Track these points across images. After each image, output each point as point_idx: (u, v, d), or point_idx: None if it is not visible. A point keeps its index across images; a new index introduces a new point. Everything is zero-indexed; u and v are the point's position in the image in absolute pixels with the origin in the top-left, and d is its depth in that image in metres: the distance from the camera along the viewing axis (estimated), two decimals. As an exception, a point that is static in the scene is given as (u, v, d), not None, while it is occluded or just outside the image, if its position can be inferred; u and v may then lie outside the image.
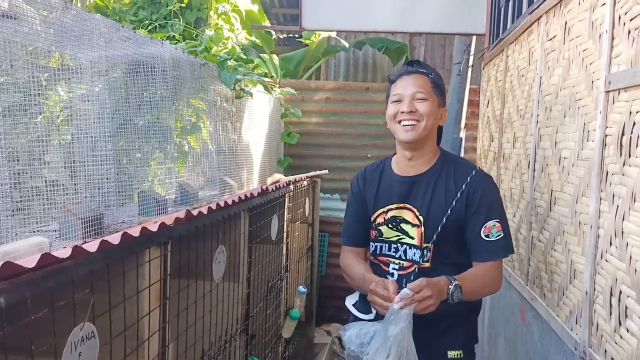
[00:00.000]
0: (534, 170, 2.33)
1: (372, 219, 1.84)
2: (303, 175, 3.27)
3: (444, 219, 1.70)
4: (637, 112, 1.37)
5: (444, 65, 6.61)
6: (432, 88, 1.74)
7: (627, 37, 1.46)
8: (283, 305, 2.84)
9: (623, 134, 1.45)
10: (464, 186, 1.71)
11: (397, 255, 1.80)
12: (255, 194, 2.05)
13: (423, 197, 1.75)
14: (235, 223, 1.93)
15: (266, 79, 4.07)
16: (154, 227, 1.18)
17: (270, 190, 2.30)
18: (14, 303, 0.77)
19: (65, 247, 1.23)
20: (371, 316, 1.75)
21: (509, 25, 3.04)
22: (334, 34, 6.41)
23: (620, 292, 1.43)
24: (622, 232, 1.43)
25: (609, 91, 1.56)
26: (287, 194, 2.79)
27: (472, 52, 4.47)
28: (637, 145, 1.37)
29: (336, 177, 4.96)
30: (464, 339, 1.80)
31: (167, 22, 4.49)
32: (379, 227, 1.83)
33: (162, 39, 3.12)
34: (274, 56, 5.86)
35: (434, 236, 1.71)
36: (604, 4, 1.63)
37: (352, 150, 5.12)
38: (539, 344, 2.18)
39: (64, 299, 0.90)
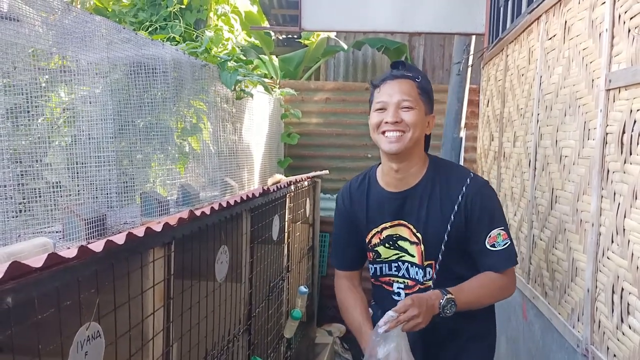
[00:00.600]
0: (535, 169, 2.33)
1: (367, 240, 1.73)
2: (304, 176, 3.27)
3: (445, 236, 1.61)
4: (638, 110, 1.38)
5: (444, 65, 6.62)
6: (419, 94, 1.61)
7: (627, 36, 1.47)
8: (285, 305, 2.85)
9: (624, 132, 1.45)
10: (460, 197, 1.61)
11: (400, 274, 1.71)
12: (257, 194, 2.05)
13: (418, 212, 1.64)
14: (238, 223, 1.94)
15: (266, 80, 4.07)
16: (157, 227, 1.18)
17: (272, 190, 2.30)
18: (21, 303, 0.78)
19: (69, 248, 1.23)
20: None
21: (508, 25, 3.05)
22: (333, 35, 6.42)
23: (622, 289, 1.43)
24: (624, 229, 1.43)
25: (609, 89, 1.56)
26: (288, 195, 2.79)
27: (471, 52, 4.48)
28: (637, 143, 1.37)
29: (336, 177, 4.96)
30: (485, 354, 1.78)
31: (167, 24, 4.50)
32: (375, 248, 1.73)
33: (163, 41, 3.13)
34: (274, 57, 5.87)
35: (439, 255, 1.63)
36: (604, 2, 1.63)
37: (352, 151, 5.13)
38: (540, 342, 2.18)
39: (70, 299, 0.90)
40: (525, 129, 2.53)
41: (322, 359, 3.73)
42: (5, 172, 1.53)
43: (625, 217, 1.43)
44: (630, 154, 1.41)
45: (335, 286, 1.83)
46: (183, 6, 4.64)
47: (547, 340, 2.10)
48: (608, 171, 1.56)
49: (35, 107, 1.76)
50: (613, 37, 1.57)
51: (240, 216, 1.94)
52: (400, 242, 1.68)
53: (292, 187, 2.87)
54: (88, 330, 0.95)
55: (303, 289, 3.17)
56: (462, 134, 4.59)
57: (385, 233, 1.70)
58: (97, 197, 1.89)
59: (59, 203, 1.71)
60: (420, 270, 1.67)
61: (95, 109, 1.97)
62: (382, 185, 1.71)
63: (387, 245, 1.70)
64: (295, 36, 7.58)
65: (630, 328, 1.39)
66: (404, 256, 1.69)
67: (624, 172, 1.45)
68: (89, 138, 1.92)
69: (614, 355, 1.48)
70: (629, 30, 1.45)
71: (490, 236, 1.61)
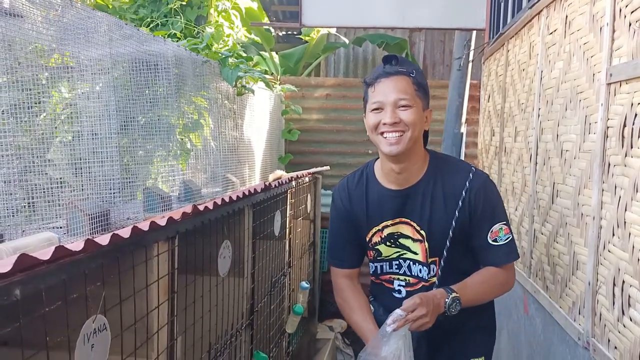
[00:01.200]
0: (536, 163, 2.34)
1: (367, 238, 1.71)
2: (304, 172, 3.28)
3: (450, 232, 1.60)
4: (639, 103, 1.39)
5: (444, 60, 6.61)
6: (415, 90, 1.55)
7: (627, 30, 1.47)
8: (287, 300, 2.86)
9: (625, 126, 1.46)
10: (463, 193, 1.59)
11: (401, 272, 1.70)
12: (259, 190, 2.06)
13: (421, 210, 1.62)
14: (240, 219, 1.95)
15: (267, 76, 4.08)
16: (162, 222, 1.19)
17: (273, 186, 2.31)
18: (29, 295, 0.79)
19: (73, 243, 1.24)
20: None
21: (509, 20, 3.05)
22: (333, 31, 6.42)
23: (623, 281, 1.44)
24: (625, 222, 1.44)
25: (610, 83, 1.57)
26: (289, 190, 2.80)
27: (472, 47, 4.48)
28: (638, 137, 1.38)
29: (337, 173, 4.97)
30: (486, 346, 1.78)
31: (167, 20, 4.50)
32: (376, 247, 1.70)
33: (164, 37, 3.13)
34: (274, 53, 5.87)
35: (444, 252, 1.62)
36: (605, -4, 1.64)
37: (352, 147, 5.13)
38: (541, 335, 2.19)
39: (76, 292, 0.91)
40: (526, 124, 2.53)
41: (324, 354, 3.74)
42: (9, 168, 1.54)
43: (626, 210, 1.44)
44: (631, 147, 1.42)
45: (334, 285, 1.79)
46: (184, 3, 4.64)
47: (548, 334, 2.11)
48: (609, 165, 1.56)
49: (38, 103, 1.77)
50: (614, 31, 1.57)
51: (242, 211, 1.94)
52: (402, 240, 1.67)
53: (293, 183, 2.88)
54: (94, 323, 0.96)
55: (305, 284, 3.18)
56: (463, 129, 4.60)
57: (386, 231, 1.67)
58: (100, 192, 1.90)
59: (62, 199, 1.72)
60: (424, 267, 1.66)
61: (98, 105, 1.98)
62: (381, 183, 1.67)
63: (388, 243, 1.68)
64: (296, 32, 7.57)
65: (631, 320, 1.40)
66: (405, 254, 1.68)
67: (625, 166, 1.45)
68: (92, 134, 1.93)
69: (615, 348, 1.49)
70: (630, 24, 1.46)
71: (492, 231, 1.60)
